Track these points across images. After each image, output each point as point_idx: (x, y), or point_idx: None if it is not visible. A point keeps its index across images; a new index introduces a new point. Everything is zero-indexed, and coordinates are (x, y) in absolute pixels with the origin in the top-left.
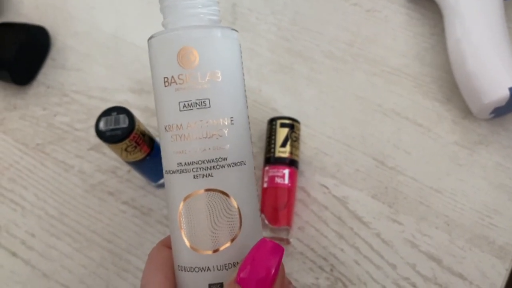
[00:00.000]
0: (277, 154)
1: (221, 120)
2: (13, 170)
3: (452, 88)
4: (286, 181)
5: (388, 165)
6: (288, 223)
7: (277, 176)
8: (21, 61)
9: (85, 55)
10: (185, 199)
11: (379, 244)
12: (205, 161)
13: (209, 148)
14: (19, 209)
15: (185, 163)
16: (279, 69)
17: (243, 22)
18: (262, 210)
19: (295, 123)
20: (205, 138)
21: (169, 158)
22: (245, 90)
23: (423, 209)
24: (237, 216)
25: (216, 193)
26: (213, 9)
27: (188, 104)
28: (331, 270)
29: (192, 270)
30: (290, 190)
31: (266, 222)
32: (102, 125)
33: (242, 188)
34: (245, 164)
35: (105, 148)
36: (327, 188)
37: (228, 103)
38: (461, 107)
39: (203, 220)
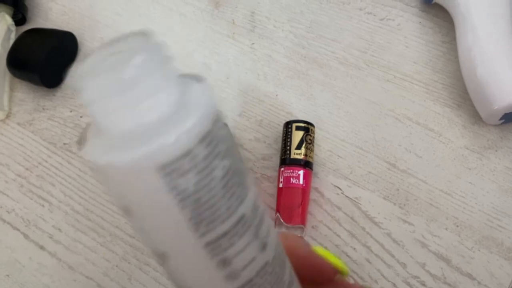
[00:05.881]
0: (292, 156)
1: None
2: (41, 168)
3: (462, 95)
4: (301, 181)
5: (400, 167)
6: (302, 222)
7: (292, 177)
8: (50, 65)
9: None
10: None
11: (390, 243)
12: None
13: None
14: (47, 205)
15: None
16: (295, 74)
17: (261, 29)
18: (277, 209)
19: (310, 126)
20: None
21: None
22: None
23: (433, 210)
24: None
25: None
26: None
27: None
28: None
29: None
30: (305, 190)
31: (281, 220)
32: None
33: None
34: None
35: None
36: (340, 189)
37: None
38: (472, 113)
39: None
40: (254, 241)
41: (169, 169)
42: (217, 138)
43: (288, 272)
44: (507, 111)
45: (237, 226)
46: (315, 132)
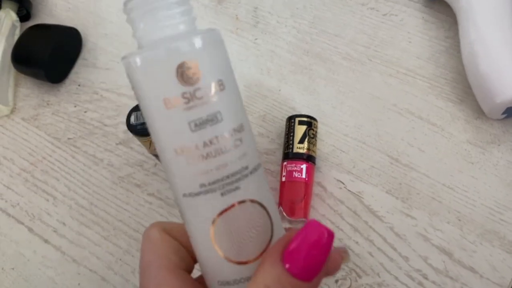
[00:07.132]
0: (295, 150)
1: (233, 130)
2: (46, 163)
3: (465, 89)
4: (304, 175)
5: (402, 162)
6: (305, 215)
7: (295, 171)
8: (55, 61)
9: (114, 55)
10: (216, 218)
11: (393, 237)
12: (230, 176)
13: (232, 161)
14: (51, 199)
15: (209, 183)
16: (298, 70)
17: (264, 25)
18: (280, 203)
19: (313, 121)
20: (224, 153)
21: (188, 181)
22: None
23: (436, 204)
24: (268, 219)
25: (248, 203)
26: (189, 9)
27: (200, 123)
28: None
29: (239, 282)
30: (307, 184)
31: (284, 214)
32: (133, 119)
33: (264, 191)
34: (260, 166)
35: (133, 143)
36: (343, 183)
37: (237, 111)
38: (474, 107)
39: (241, 233)
40: None
41: None
42: None
43: None
44: (510, 105)
45: None
46: (318, 127)
